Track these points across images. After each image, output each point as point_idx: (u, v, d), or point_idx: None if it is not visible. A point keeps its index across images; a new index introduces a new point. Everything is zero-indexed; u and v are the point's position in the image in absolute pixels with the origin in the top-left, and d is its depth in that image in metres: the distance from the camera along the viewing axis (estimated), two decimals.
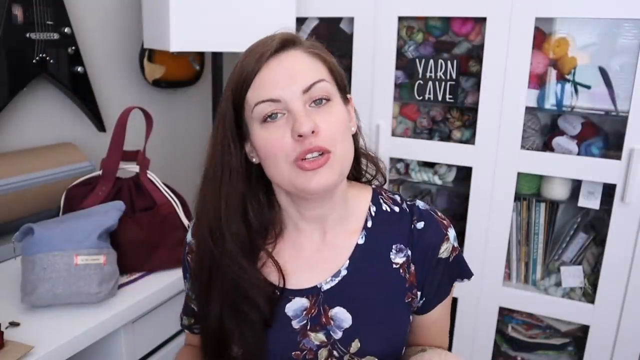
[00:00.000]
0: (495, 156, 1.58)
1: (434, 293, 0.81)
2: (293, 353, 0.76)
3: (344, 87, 0.77)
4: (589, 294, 1.61)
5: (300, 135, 0.67)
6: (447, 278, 0.81)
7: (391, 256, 0.78)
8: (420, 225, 0.79)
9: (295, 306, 0.77)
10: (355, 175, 0.86)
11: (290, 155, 0.68)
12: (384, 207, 0.81)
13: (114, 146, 1.26)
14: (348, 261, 0.78)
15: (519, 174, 1.59)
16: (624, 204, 1.46)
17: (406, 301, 0.79)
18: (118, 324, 1.09)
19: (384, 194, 0.84)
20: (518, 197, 1.68)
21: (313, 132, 0.67)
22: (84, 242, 1.07)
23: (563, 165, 1.53)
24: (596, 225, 1.70)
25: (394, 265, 0.78)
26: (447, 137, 1.77)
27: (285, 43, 0.71)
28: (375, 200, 0.82)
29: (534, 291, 1.68)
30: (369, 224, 0.80)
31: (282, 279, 0.77)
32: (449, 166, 1.80)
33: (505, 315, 1.80)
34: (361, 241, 0.79)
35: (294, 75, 0.69)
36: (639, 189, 1.43)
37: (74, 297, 1.06)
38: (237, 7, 1.47)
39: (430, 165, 1.84)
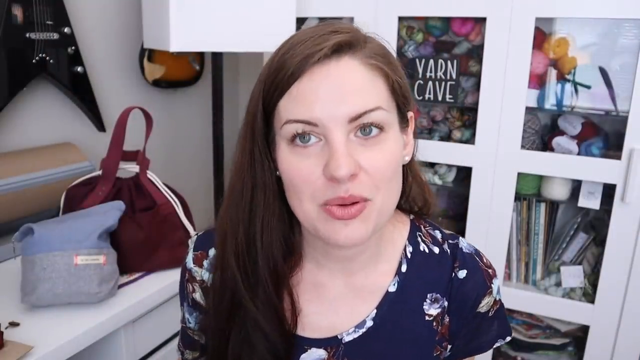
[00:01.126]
0: (495, 156, 1.58)
1: (463, 345, 0.71)
2: None
3: (404, 110, 0.61)
4: (589, 294, 1.61)
5: (334, 178, 0.53)
6: (482, 333, 0.71)
7: (424, 307, 0.67)
8: (462, 274, 0.68)
9: (311, 357, 0.67)
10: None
11: (317, 197, 0.55)
12: (422, 246, 0.69)
13: (114, 146, 1.26)
14: (375, 311, 0.67)
15: (519, 174, 1.59)
16: (624, 204, 1.45)
17: (434, 355, 0.69)
18: (118, 324, 1.09)
19: (423, 229, 0.71)
20: (518, 197, 1.68)
21: (352, 175, 0.53)
22: (84, 242, 1.07)
23: (563, 165, 1.53)
24: (596, 225, 1.70)
25: (427, 317, 0.67)
26: (447, 137, 1.77)
27: (339, 47, 0.54)
28: (412, 239, 0.70)
29: (534, 291, 1.68)
30: (403, 268, 0.68)
31: (294, 323, 0.66)
32: (449, 166, 1.80)
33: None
34: (392, 288, 0.67)
35: (342, 96, 0.53)
36: (639, 189, 1.43)
37: (74, 297, 1.05)
38: (237, 7, 1.47)
39: (430, 165, 1.84)
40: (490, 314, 0.70)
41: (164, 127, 1.91)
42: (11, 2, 1.27)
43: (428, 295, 0.68)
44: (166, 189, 1.29)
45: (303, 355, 0.67)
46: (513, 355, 1.79)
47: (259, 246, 0.62)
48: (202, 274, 0.74)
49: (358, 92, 0.54)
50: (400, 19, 1.68)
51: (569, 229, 1.70)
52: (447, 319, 0.69)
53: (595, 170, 1.49)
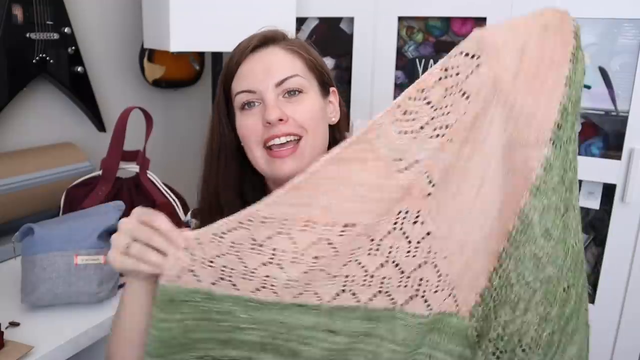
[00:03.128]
0: None
1: None
2: None
3: (324, 82, 0.82)
4: (589, 294, 1.61)
5: (269, 123, 0.74)
6: None
7: None
8: None
9: None
10: None
11: (260, 139, 0.76)
12: None
13: (114, 146, 1.26)
14: None
15: None
16: (624, 204, 1.45)
17: None
18: None
19: None
20: None
21: (281, 120, 0.74)
22: (84, 242, 1.07)
23: None
24: (596, 225, 1.70)
25: None
26: None
27: (265, 40, 0.78)
28: None
29: None
30: None
31: None
32: None
33: None
34: None
35: (269, 70, 0.76)
36: (639, 189, 1.43)
37: (74, 297, 1.06)
38: (237, 7, 1.47)
39: None
40: None
41: (164, 127, 1.91)
42: (11, 2, 1.27)
43: None
44: (166, 189, 1.29)
45: None
46: None
47: (221, 196, 0.82)
48: None
49: (280, 66, 0.76)
50: (400, 19, 1.68)
51: None
52: None
53: (595, 170, 1.49)
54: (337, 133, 0.86)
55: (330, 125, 0.83)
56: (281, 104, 0.75)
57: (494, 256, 0.64)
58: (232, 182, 0.82)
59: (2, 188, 1.24)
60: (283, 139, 0.75)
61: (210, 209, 0.82)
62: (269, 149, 0.76)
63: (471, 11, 1.56)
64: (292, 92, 0.76)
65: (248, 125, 0.77)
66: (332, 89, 0.84)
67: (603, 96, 1.52)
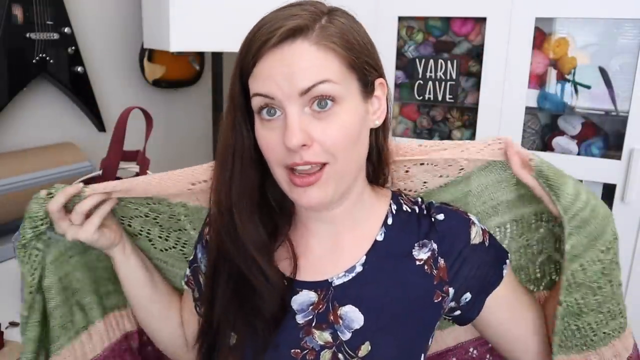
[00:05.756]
0: None
1: (481, 284, 0.72)
2: (292, 351, 0.67)
3: (368, 80, 0.65)
4: None
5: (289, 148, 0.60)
6: (491, 266, 0.73)
7: (414, 253, 0.71)
8: (440, 217, 0.72)
9: (302, 299, 0.69)
10: (374, 177, 0.76)
11: (281, 161, 0.63)
12: (404, 207, 0.74)
13: (114, 146, 1.26)
14: (365, 257, 0.70)
15: None
16: (624, 204, 1.45)
17: (435, 301, 0.70)
18: None
19: (403, 195, 0.76)
20: None
21: (305, 145, 0.60)
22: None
23: (563, 165, 1.51)
24: None
25: (417, 262, 0.70)
26: (447, 137, 1.77)
27: (293, 32, 0.59)
28: (395, 199, 0.75)
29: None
30: (389, 221, 0.72)
31: (294, 267, 0.70)
32: None
33: None
34: (380, 238, 0.71)
35: (292, 74, 0.59)
36: (639, 189, 1.43)
37: None
38: (237, 7, 1.47)
39: None
40: (487, 244, 0.73)
41: (164, 127, 1.91)
42: (11, 2, 1.27)
43: (416, 244, 0.71)
44: None
45: (295, 297, 0.70)
46: None
47: (235, 211, 0.67)
48: None
49: (307, 69, 0.59)
50: (400, 19, 1.68)
51: None
52: (442, 261, 0.71)
53: (595, 170, 1.49)
54: (379, 134, 0.71)
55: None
56: (307, 121, 0.60)
57: None
58: (251, 193, 0.68)
59: (2, 188, 1.24)
60: (307, 166, 0.61)
61: (223, 220, 0.68)
62: (291, 169, 0.63)
63: (471, 11, 1.56)
64: (322, 103, 0.60)
65: (268, 142, 0.63)
66: (378, 81, 0.67)
67: (603, 96, 1.52)
